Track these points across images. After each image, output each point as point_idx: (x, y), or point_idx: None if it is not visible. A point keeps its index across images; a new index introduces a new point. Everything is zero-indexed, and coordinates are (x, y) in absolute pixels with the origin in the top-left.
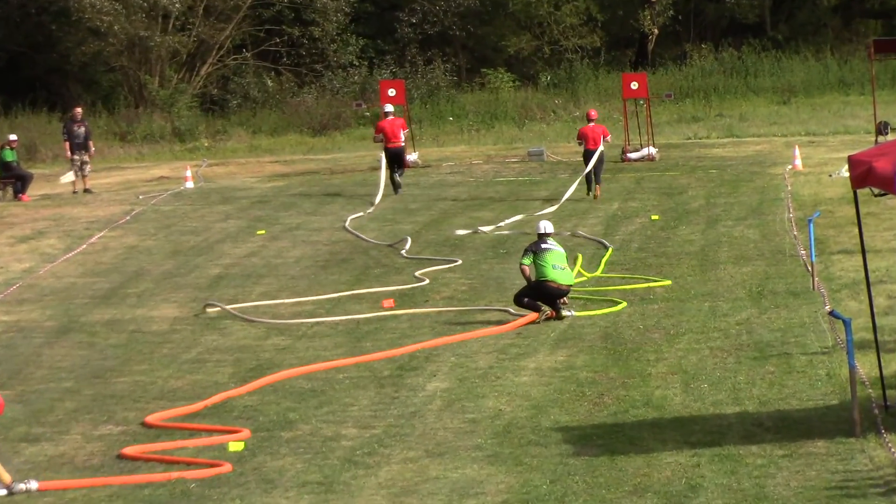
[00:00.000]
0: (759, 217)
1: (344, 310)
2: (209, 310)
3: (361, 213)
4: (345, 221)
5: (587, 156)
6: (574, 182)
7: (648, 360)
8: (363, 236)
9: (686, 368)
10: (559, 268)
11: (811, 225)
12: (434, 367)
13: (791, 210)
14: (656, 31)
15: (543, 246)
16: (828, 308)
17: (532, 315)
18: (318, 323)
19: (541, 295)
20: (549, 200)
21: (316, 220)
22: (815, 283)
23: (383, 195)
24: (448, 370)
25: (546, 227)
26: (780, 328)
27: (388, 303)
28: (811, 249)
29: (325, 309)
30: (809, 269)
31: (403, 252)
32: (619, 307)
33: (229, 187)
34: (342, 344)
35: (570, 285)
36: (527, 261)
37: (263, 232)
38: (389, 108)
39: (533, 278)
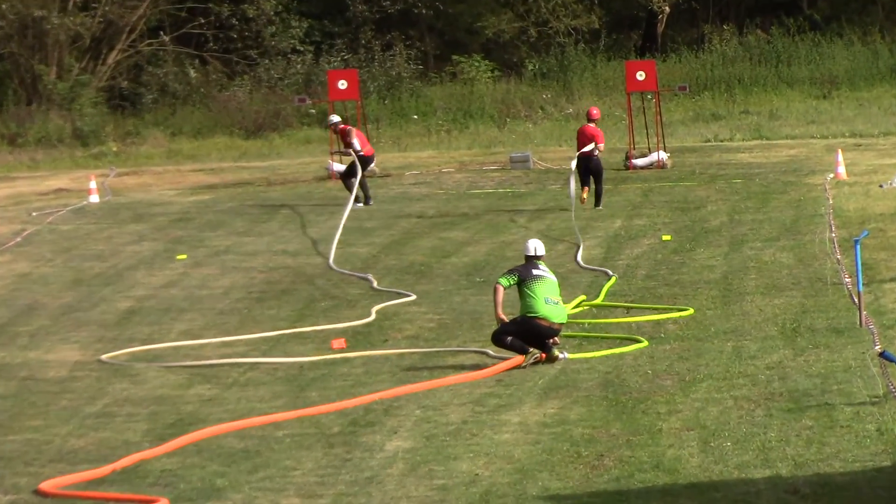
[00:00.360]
0: (793, 237)
1: (284, 352)
2: (106, 357)
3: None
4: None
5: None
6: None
7: (659, 413)
8: (361, 275)
9: (705, 423)
10: (552, 302)
11: (858, 247)
12: (395, 421)
13: (833, 229)
14: (667, 9)
15: (535, 272)
16: (878, 348)
17: (516, 358)
18: (252, 367)
19: (527, 334)
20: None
21: (249, 243)
22: (863, 317)
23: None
24: (412, 426)
25: (537, 247)
26: (819, 373)
27: (338, 343)
28: (858, 277)
29: (261, 351)
30: (856, 300)
31: (375, 284)
32: (637, 347)
33: (143, 202)
34: (282, 394)
35: (563, 323)
36: (505, 282)
37: (185, 257)
38: (336, 118)
39: (512, 313)
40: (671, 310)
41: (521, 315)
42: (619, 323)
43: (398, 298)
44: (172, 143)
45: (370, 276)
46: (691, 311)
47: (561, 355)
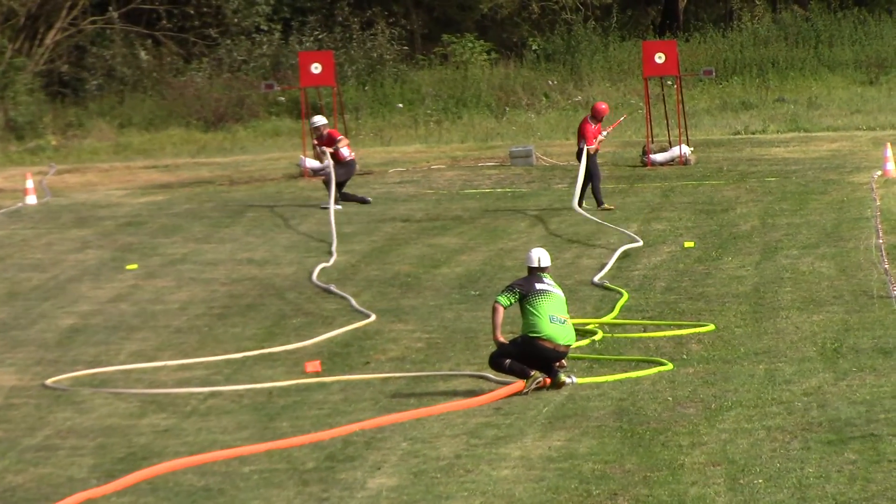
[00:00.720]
0: (835, 244)
1: (250, 376)
2: (50, 382)
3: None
4: (311, 273)
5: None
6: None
7: (680, 446)
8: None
9: (733, 457)
10: (558, 320)
11: None
12: (378, 455)
13: (880, 234)
14: None
15: (538, 286)
16: None
17: (517, 384)
18: (213, 394)
19: (529, 357)
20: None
21: (210, 250)
22: None
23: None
24: (398, 460)
25: (541, 258)
26: (864, 400)
27: (312, 366)
28: None
29: (224, 375)
30: None
31: (354, 302)
32: (659, 370)
33: (87, 203)
34: (248, 424)
35: (570, 345)
36: (505, 301)
37: (135, 266)
38: (322, 119)
39: (513, 331)
40: (690, 326)
41: (522, 335)
42: (634, 342)
43: (359, 320)
44: (121, 135)
45: (332, 287)
46: (712, 326)
47: (568, 380)
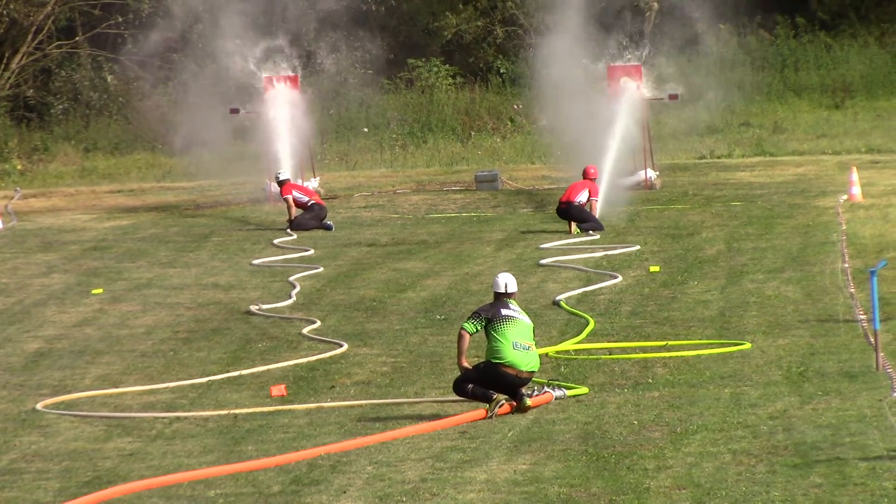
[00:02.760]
0: (801, 268)
1: (216, 400)
2: (40, 406)
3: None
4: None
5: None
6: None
7: (646, 470)
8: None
9: (698, 481)
10: (522, 347)
11: (874, 279)
12: (344, 479)
13: (846, 258)
14: (656, 5)
15: (504, 312)
16: None
17: (482, 409)
18: (179, 419)
19: (492, 382)
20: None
21: (175, 275)
22: (880, 360)
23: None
24: (363, 484)
25: (508, 283)
26: (829, 423)
27: (277, 390)
28: (874, 313)
29: (190, 399)
30: (872, 340)
31: (306, 330)
32: (578, 392)
33: (52, 228)
34: (213, 447)
35: (534, 372)
36: (471, 327)
37: (101, 291)
38: (285, 174)
39: (478, 355)
40: (725, 344)
41: (485, 360)
42: (600, 366)
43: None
44: (86, 160)
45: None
46: (748, 345)
47: (559, 392)
